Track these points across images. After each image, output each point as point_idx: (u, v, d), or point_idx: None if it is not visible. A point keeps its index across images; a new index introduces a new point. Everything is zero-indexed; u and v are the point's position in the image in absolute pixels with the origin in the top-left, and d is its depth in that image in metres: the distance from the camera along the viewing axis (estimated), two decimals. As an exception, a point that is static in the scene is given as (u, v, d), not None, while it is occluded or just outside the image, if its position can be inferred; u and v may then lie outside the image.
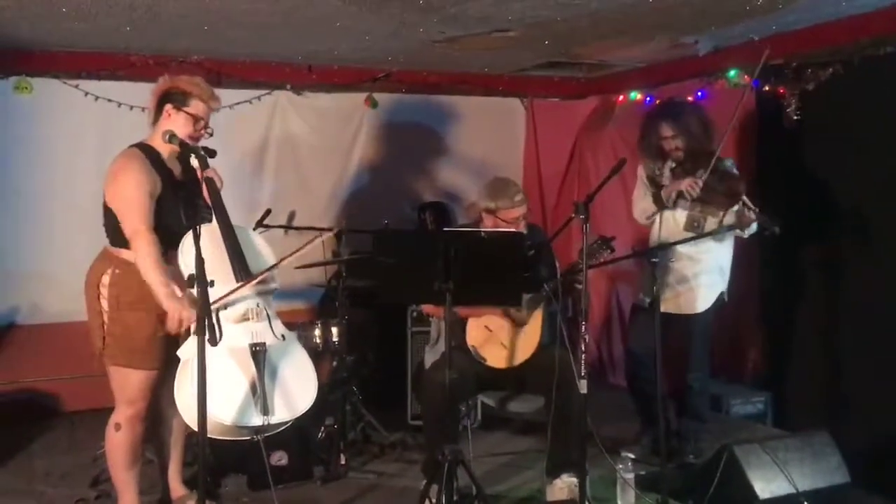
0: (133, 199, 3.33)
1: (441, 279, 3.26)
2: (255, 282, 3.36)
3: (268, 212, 4.81)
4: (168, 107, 3.48)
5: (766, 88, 5.18)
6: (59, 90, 5.31)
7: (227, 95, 5.49)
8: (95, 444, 4.23)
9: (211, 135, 3.56)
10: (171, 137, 3.39)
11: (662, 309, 3.89)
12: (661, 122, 4.44)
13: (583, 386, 3.24)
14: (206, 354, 2.95)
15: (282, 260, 3.50)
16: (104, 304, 3.43)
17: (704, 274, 4.37)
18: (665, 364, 3.80)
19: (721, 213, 4.28)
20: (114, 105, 5.33)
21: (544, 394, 3.80)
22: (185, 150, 3.40)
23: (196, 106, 3.49)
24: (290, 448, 4.14)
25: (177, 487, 3.83)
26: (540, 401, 3.90)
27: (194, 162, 3.40)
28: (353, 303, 4.78)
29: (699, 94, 5.66)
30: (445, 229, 3.52)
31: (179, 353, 3.33)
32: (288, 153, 6.00)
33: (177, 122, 3.47)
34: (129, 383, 3.46)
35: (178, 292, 3.25)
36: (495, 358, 3.88)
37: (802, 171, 5.02)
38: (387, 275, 3.43)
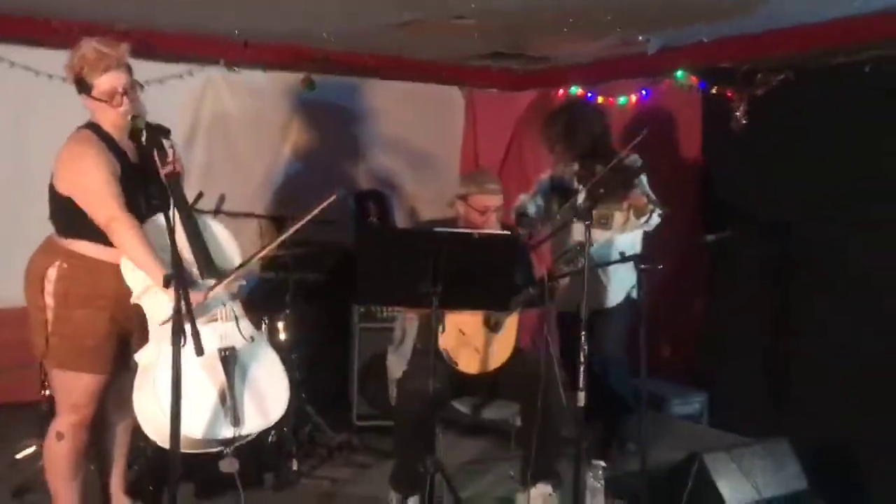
0: (100, 185, 2.99)
1: (428, 282, 3.07)
2: (228, 280, 3.08)
3: (200, 195, 4.45)
4: (82, 97, 3.12)
5: (714, 91, 5.21)
6: (-31, 53, 4.80)
7: (156, 69, 5.23)
8: (13, 446, 3.90)
9: (143, 88, 3.21)
10: (135, 118, 3.07)
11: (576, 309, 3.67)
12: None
13: (581, 398, 3.12)
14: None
15: (254, 255, 3.25)
16: (49, 300, 3.09)
17: (613, 268, 4.33)
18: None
19: (625, 206, 4.22)
20: (31, 73, 4.85)
21: (519, 400, 3.69)
22: (137, 134, 3.09)
23: (100, 83, 3.07)
24: (239, 454, 3.86)
25: (119, 497, 3.53)
26: (514, 407, 3.77)
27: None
28: (300, 296, 4.53)
29: (643, 92, 5.67)
30: (436, 229, 3.29)
31: (137, 357, 3.04)
32: (219, 133, 5.64)
33: (98, 108, 3.12)
34: (75, 388, 3.13)
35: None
36: (468, 363, 3.71)
37: (749, 175, 5.06)
38: (366, 273, 3.19)
